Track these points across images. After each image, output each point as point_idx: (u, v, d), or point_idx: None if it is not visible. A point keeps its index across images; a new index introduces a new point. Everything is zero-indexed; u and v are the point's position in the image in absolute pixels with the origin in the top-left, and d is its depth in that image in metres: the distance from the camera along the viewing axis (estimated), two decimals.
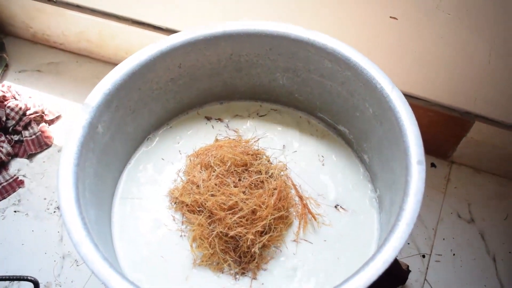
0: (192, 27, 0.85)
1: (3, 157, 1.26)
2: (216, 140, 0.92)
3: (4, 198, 1.22)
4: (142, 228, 0.83)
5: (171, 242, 0.81)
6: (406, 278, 0.91)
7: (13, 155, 1.29)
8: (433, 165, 1.27)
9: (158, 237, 0.82)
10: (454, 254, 1.14)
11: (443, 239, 1.16)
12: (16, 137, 1.30)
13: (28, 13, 1.36)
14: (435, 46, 1.04)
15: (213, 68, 0.90)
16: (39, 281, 1.10)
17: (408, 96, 1.16)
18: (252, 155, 0.86)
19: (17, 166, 1.28)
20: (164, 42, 0.83)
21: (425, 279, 1.11)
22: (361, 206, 0.86)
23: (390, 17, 1.02)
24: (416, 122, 0.74)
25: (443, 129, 1.20)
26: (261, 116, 0.97)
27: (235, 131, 0.94)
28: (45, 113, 1.33)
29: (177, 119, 0.96)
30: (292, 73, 0.90)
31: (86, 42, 1.37)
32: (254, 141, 0.91)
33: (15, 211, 1.21)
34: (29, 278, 0.91)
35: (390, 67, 1.12)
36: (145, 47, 0.82)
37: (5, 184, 1.23)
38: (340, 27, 1.07)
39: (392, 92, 0.76)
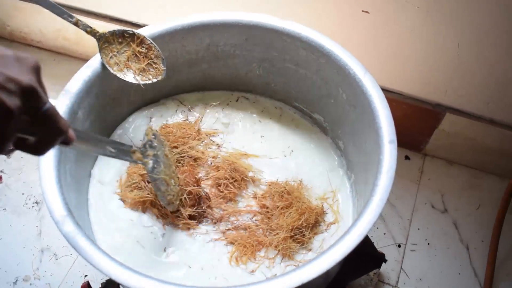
0: (170, 18, 0.87)
1: None
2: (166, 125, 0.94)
3: None
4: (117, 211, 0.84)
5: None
6: (382, 260, 0.93)
7: None
8: (407, 157, 1.30)
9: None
10: (428, 244, 1.17)
11: (418, 229, 1.19)
12: None
13: (5, 12, 1.36)
14: (405, 39, 1.07)
15: (191, 58, 0.92)
16: (17, 275, 1.10)
17: (381, 90, 1.20)
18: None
19: None
20: (143, 31, 0.84)
21: (401, 268, 1.14)
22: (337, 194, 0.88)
23: (362, 10, 1.05)
24: (387, 105, 0.77)
25: (416, 122, 1.23)
26: (234, 103, 0.99)
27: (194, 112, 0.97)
28: None
29: (154, 106, 0.97)
30: (268, 63, 0.92)
31: (64, 40, 1.38)
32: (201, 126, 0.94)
33: None
34: None
35: (363, 60, 1.14)
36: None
37: None
38: (314, 20, 1.10)
39: (365, 77, 0.79)
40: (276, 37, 0.87)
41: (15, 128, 0.44)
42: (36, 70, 0.47)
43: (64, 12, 0.77)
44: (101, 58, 0.82)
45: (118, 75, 0.82)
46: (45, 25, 1.35)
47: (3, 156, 1.28)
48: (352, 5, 1.04)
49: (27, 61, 0.46)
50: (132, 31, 0.81)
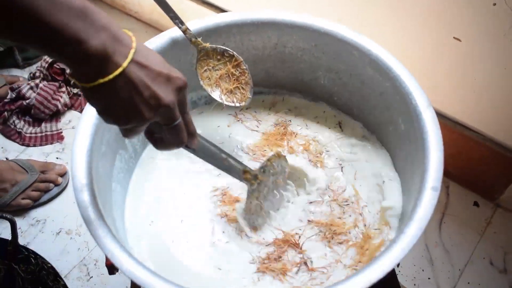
0: (241, 10, 0.85)
1: (60, 107, 1.33)
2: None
3: (41, 145, 1.29)
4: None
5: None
6: None
7: (69, 107, 1.36)
8: (476, 203, 1.19)
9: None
10: None
11: (468, 283, 1.09)
12: (75, 90, 1.37)
13: None
14: (497, 77, 0.97)
15: (257, 54, 0.90)
16: (62, 227, 1.16)
17: (462, 126, 1.10)
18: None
19: (70, 117, 1.35)
20: (210, 20, 0.84)
21: None
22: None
23: (454, 37, 0.96)
24: (442, 148, 0.69)
25: (493, 168, 1.12)
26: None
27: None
28: None
29: None
30: (334, 74, 0.88)
31: (158, 15, 1.41)
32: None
33: (57, 158, 1.28)
34: (6, 216, 0.93)
35: (447, 91, 1.06)
36: (191, 21, 0.84)
37: (49, 133, 1.30)
38: (401, 41, 1.03)
39: (426, 111, 0.72)
40: (345, 49, 0.82)
41: (144, 128, 0.56)
42: (181, 91, 0.55)
43: (177, 17, 0.80)
44: (196, 68, 0.84)
45: (206, 88, 0.85)
46: None
47: (79, 114, 1.35)
48: (443, 30, 0.96)
49: (175, 82, 0.54)
50: (233, 52, 0.83)
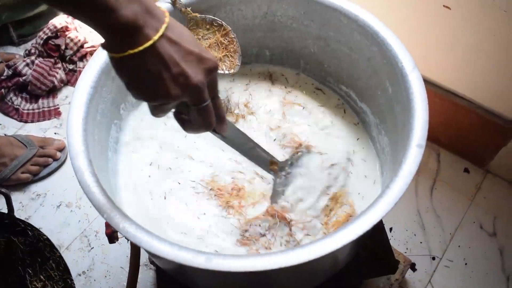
0: None
1: (56, 83, 1.35)
2: None
3: (39, 121, 1.31)
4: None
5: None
6: (396, 268, 0.89)
7: (65, 83, 1.38)
8: (466, 170, 1.21)
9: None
10: (466, 264, 1.10)
11: (459, 246, 1.12)
12: (71, 66, 1.39)
13: None
14: (486, 44, 0.98)
15: (247, 24, 0.91)
16: (62, 201, 1.18)
17: (452, 94, 1.12)
18: None
19: (66, 93, 1.36)
20: None
21: (429, 281, 1.08)
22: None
23: (444, 5, 0.98)
24: (427, 108, 0.71)
25: (483, 135, 1.14)
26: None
27: None
28: None
29: None
30: (323, 42, 0.89)
31: None
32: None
33: (55, 133, 1.30)
34: (2, 191, 0.94)
35: (437, 59, 1.08)
36: None
37: (46, 109, 1.32)
38: (390, 10, 1.04)
39: (412, 73, 0.74)
40: (334, 16, 0.83)
41: (171, 107, 0.57)
42: (211, 72, 0.55)
43: None
44: None
45: None
46: None
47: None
48: None
49: (206, 63, 0.54)
50: (222, 22, 0.85)
